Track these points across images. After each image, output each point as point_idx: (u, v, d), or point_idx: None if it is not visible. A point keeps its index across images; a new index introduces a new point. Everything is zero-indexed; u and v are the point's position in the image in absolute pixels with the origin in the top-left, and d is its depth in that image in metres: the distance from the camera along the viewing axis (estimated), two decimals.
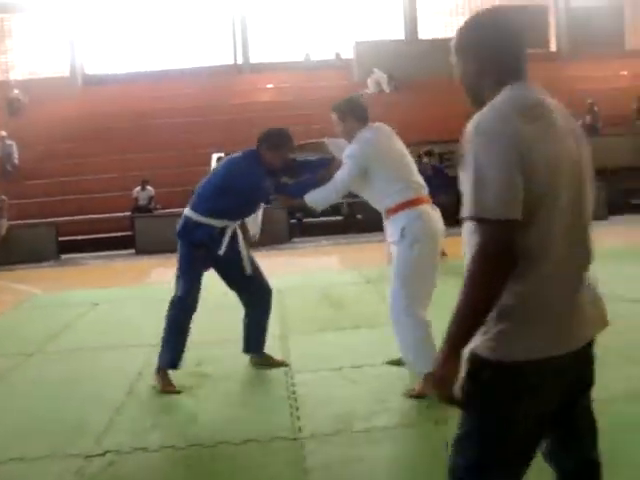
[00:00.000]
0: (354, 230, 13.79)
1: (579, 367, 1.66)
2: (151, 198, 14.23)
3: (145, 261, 11.47)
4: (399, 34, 21.42)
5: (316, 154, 4.23)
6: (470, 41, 1.71)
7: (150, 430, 3.43)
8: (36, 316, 6.97)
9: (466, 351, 1.56)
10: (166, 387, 3.98)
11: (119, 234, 13.44)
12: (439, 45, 19.73)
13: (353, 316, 5.99)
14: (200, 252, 4.13)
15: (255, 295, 4.38)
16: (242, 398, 3.92)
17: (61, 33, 20.42)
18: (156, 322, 5.99)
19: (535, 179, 1.50)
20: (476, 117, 1.58)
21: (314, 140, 4.28)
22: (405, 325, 3.60)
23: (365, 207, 10.68)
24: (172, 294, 4.17)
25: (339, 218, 15.25)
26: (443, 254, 4.87)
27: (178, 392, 3.95)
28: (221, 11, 20.87)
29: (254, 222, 12.48)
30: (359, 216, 14.09)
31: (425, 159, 9.97)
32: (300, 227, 14.44)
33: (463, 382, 1.58)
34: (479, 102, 1.68)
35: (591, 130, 16.47)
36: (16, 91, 18.38)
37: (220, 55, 20.83)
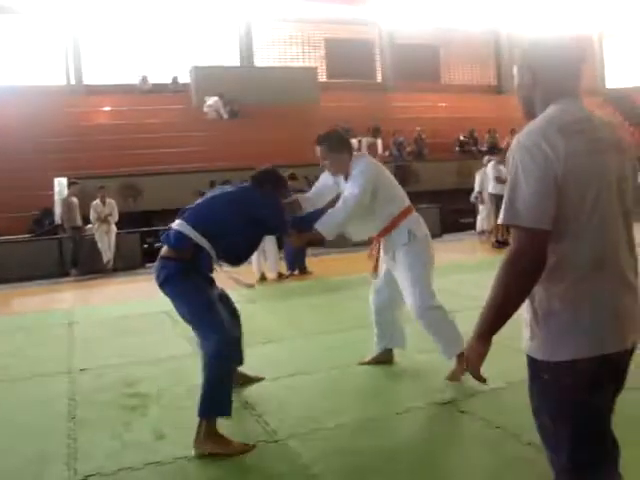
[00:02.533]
0: None
1: (618, 369, 1.78)
2: None
3: None
4: (235, 61, 21.83)
5: (292, 212, 4.13)
6: (526, 56, 1.83)
7: (122, 451, 3.39)
8: None
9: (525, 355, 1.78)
10: (239, 447, 3.31)
11: None
12: (274, 73, 20.62)
13: (257, 332, 6.17)
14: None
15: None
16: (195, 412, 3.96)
17: None
18: (49, 350, 5.85)
19: (571, 190, 1.63)
20: (521, 131, 1.72)
21: (289, 199, 4.17)
22: (434, 318, 4.04)
23: None
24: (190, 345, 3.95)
25: None
26: None
27: (253, 447, 3.33)
28: (54, 30, 19.91)
29: (108, 247, 12.24)
30: None
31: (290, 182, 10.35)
32: (152, 252, 14.21)
33: (529, 384, 1.80)
34: (530, 115, 1.82)
35: (418, 156, 18.02)
36: None
37: (52, 75, 19.81)
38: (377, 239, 4.27)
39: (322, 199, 4.30)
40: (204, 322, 3.51)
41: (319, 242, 4.24)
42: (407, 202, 4.19)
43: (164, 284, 3.54)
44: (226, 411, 3.37)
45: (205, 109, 19.06)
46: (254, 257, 9.92)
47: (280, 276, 9.91)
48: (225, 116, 19.06)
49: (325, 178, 4.33)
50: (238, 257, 3.77)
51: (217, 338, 3.41)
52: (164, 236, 3.63)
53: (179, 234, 3.53)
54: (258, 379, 4.42)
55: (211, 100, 19.01)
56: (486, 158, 13.18)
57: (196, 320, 3.56)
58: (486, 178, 12.63)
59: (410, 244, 4.04)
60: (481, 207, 13.21)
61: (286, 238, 4.10)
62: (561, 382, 1.70)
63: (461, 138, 19.07)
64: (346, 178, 4.14)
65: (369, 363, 4.56)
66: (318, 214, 3.98)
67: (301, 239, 4.07)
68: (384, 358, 4.54)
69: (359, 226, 4.25)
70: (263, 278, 9.83)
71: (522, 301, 1.71)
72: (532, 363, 1.78)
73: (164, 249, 3.60)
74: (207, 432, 3.30)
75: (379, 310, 4.41)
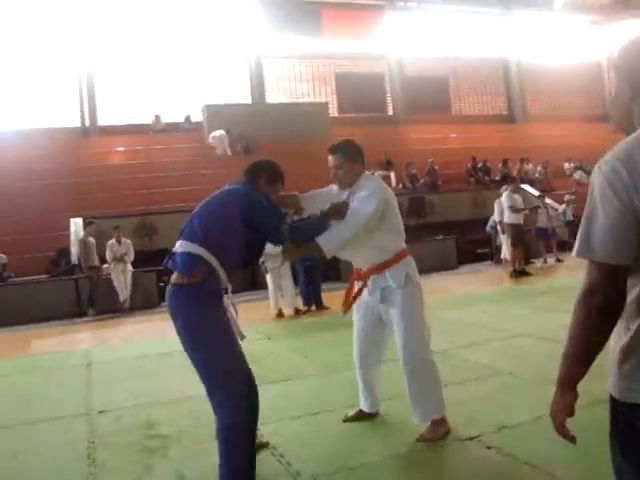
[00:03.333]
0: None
1: None
2: (4, 266, 13.32)
3: (8, 333, 10.66)
4: (246, 98, 22.11)
5: (287, 208, 3.85)
6: (626, 62, 1.61)
7: None
8: None
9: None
10: None
11: None
12: (285, 109, 20.84)
13: (275, 370, 6.12)
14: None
15: None
16: (217, 454, 3.90)
17: None
18: (67, 391, 5.82)
19: None
20: (609, 152, 1.53)
21: (287, 193, 3.92)
22: (430, 370, 3.71)
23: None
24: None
25: None
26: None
27: None
28: (68, 72, 20.30)
29: (125, 286, 12.26)
30: None
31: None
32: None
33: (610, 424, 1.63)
34: (623, 125, 1.63)
35: (432, 188, 18.05)
36: None
37: (64, 117, 20.15)
38: (363, 275, 3.85)
39: (321, 204, 3.77)
40: (220, 378, 3.08)
41: (315, 254, 3.60)
42: (404, 244, 3.84)
43: (177, 312, 3.13)
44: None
45: (210, 140, 19.24)
46: (271, 293, 9.90)
47: (297, 312, 9.86)
48: (229, 152, 19.22)
49: (332, 187, 3.97)
50: (237, 266, 3.31)
51: (235, 405, 3.03)
52: (170, 262, 3.22)
53: (187, 255, 3.11)
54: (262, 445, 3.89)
55: (217, 132, 19.21)
56: (503, 187, 13.17)
57: (209, 371, 3.10)
58: (503, 207, 12.61)
59: (407, 287, 3.69)
60: (502, 237, 13.16)
61: (282, 251, 3.51)
62: (633, 425, 1.56)
63: (472, 166, 19.12)
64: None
65: (352, 420, 4.19)
66: (318, 223, 3.50)
67: (298, 253, 3.60)
68: (367, 415, 4.18)
69: (355, 252, 3.76)
70: (280, 315, 9.78)
71: (602, 340, 1.55)
72: (610, 400, 1.66)
73: (174, 276, 3.20)
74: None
75: (366, 365, 4.03)
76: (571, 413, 1.63)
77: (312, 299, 10.01)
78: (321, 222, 3.51)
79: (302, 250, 3.54)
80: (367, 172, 3.87)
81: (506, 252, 13.07)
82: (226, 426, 3.03)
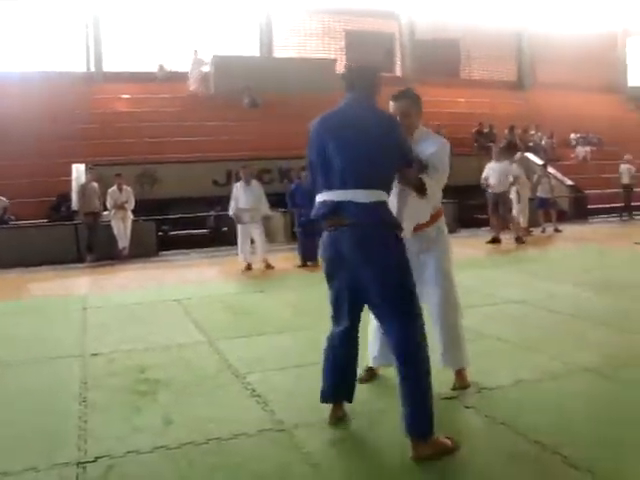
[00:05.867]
0: (220, 242, 13.87)
1: None
2: (5, 209, 13.38)
3: (7, 275, 10.77)
4: (255, 51, 21.86)
5: None
6: None
7: (132, 434, 3.43)
8: None
9: None
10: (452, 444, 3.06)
11: None
12: (293, 64, 20.60)
13: (267, 322, 6.22)
14: None
15: None
16: (207, 399, 3.98)
17: None
18: (63, 334, 5.94)
19: None
20: None
21: None
22: (458, 320, 3.90)
23: (230, 220, 10.95)
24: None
25: (204, 231, 15.33)
26: None
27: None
28: (75, 15, 20.04)
29: (124, 234, 12.35)
30: (225, 229, 14.24)
31: (304, 173, 10.38)
32: (167, 240, 14.30)
33: None
34: None
35: None
36: None
37: (69, 62, 19.96)
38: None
39: None
40: (414, 297, 3.04)
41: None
42: None
43: (379, 231, 3.00)
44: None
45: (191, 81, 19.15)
46: (240, 247, 10.12)
47: (268, 266, 9.99)
48: (212, 90, 19.09)
49: None
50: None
51: (421, 324, 3.04)
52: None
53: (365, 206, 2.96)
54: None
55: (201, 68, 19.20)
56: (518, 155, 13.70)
57: (405, 293, 3.01)
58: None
59: (443, 243, 3.86)
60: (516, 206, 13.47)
61: (404, 173, 3.26)
62: None
63: (476, 131, 19.00)
64: None
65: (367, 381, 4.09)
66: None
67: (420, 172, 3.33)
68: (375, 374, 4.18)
69: (416, 206, 3.56)
70: (249, 268, 9.95)
71: None
72: None
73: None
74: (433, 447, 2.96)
75: None
76: None
77: (308, 254, 10.08)
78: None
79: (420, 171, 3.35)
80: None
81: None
82: (413, 350, 2.99)
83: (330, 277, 3.20)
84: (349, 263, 3.03)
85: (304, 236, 10.11)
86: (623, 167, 16.93)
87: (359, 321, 3.30)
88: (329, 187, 3.05)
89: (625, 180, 16.83)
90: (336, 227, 3.03)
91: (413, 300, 3.03)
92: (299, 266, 10.11)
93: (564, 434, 3.17)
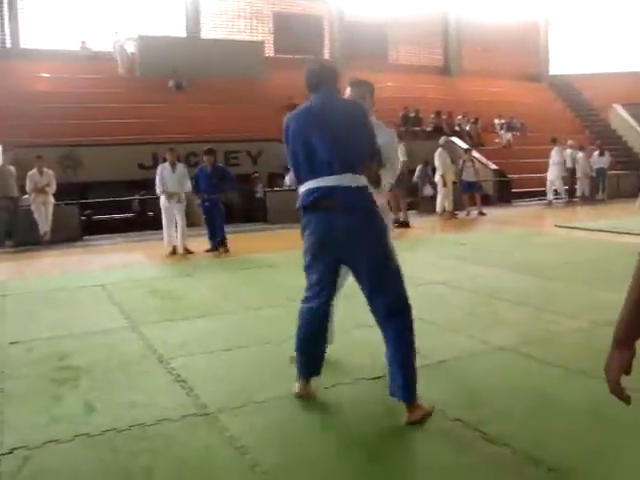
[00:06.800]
0: (145, 227, 13.60)
1: None
2: None
3: None
4: (181, 32, 21.40)
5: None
6: None
7: (51, 423, 3.35)
8: None
9: None
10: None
11: None
12: (220, 45, 20.28)
13: (193, 306, 6.16)
14: None
15: None
16: (129, 384, 3.92)
17: None
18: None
19: None
20: None
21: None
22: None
23: (156, 203, 10.74)
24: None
25: (129, 215, 15.01)
26: None
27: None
28: None
29: (45, 219, 11.94)
30: (150, 213, 13.99)
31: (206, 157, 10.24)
32: (90, 224, 13.93)
33: None
34: None
35: None
36: None
37: None
38: None
39: None
40: (400, 269, 3.32)
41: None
42: None
43: (369, 213, 3.23)
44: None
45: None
46: (165, 231, 10.05)
47: (187, 251, 10.04)
48: (136, 73, 18.82)
49: None
50: None
51: (404, 291, 3.28)
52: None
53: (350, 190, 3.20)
54: None
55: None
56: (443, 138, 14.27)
57: (395, 266, 3.31)
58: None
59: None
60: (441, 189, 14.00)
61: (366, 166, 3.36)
62: None
63: (403, 115, 19.26)
64: None
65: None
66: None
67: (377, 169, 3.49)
68: None
69: None
70: (174, 252, 9.92)
71: None
72: None
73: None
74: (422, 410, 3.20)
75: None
76: (628, 370, 1.49)
77: (215, 239, 10.13)
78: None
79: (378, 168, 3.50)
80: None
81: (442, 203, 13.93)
82: (402, 311, 3.25)
83: (316, 256, 3.34)
84: (343, 242, 3.24)
85: (208, 222, 10.16)
86: (567, 152, 17.69)
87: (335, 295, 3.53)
88: (316, 175, 3.25)
89: (569, 164, 17.56)
90: (329, 209, 3.22)
91: (400, 272, 3.32)
92: (207, 250, 10.10)
93: (482, 410, 3.28)
